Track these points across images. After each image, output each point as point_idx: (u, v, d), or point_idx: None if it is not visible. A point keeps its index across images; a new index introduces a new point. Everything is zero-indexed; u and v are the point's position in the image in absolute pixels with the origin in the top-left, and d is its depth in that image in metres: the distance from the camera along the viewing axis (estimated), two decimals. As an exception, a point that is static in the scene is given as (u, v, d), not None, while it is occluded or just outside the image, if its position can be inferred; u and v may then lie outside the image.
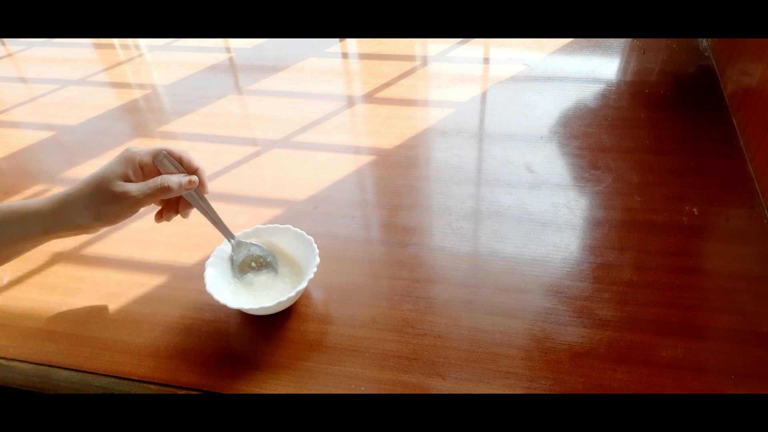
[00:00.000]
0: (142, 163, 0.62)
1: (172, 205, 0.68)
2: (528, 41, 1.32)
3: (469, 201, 0.93)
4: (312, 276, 0.71)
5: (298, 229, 0.77)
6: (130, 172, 0.60)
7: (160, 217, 0.68)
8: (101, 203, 0.59)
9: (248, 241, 0.75)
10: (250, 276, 0.76)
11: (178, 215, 0.69)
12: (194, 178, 0.64)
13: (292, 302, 0.73)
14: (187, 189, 0.63)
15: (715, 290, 0.76)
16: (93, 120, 1.20)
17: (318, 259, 0.72)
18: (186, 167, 0.64)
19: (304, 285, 0.70)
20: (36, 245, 0.65)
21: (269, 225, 0.77)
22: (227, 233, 0.72)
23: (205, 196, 0.69)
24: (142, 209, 0.64)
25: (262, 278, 0.76)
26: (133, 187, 0.60)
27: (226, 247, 0.76)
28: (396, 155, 1.04)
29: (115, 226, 0.72)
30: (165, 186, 0.61)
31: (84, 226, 0.61)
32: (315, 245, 0.75)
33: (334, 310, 0.77)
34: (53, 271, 0.87)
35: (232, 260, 0.74)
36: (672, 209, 0.88)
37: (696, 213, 0.87)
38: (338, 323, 0.76)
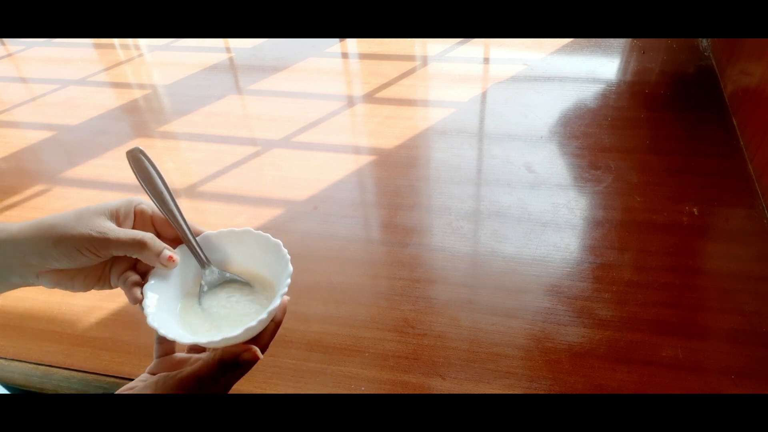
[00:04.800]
0: (122, 213, 0.49)
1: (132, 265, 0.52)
2: (528, 41, 1.32)
3: (469, 201, 0.93)
4: (285, 290, 0.49)
5: (260, 232, 0.55)
6: (129, 212, 0.50)
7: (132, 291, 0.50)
8: (81, 225, 0.47)
9: (224, 272, 0.56)
10: (205, 298, 0.55)
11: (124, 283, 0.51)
12: (177, 256, 0.50)
13: (263, 326, 0.50)
14: (163, 264, 0.50)
15: (715, 290, 0.76)
16: (93, 120, 1.20)
17: (290, 268, 0.51)
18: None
19: (275, 304, 0.49)
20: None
21: (221, 230, 0.55)
22: (202, 259, 0.55)
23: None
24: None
25: (222, 298, 0.56)
26: (110, 224, 0.48)
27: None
28: (396, 155, 1.04)
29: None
30: (141, 240, 0.48)
31: (19, 265, 0.47)
32: (284, 250, 0.53)
33: (334, 310, 0.77)
34: (53, 271, 0.87)
35: (200, 288, 0.55)
36: (672, 209, 0.88)
37: (696, 213, 0.87)
38: (338, 323, 0.76)
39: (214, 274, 0.56)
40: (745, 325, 0.72)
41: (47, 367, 0.74)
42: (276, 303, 0.49)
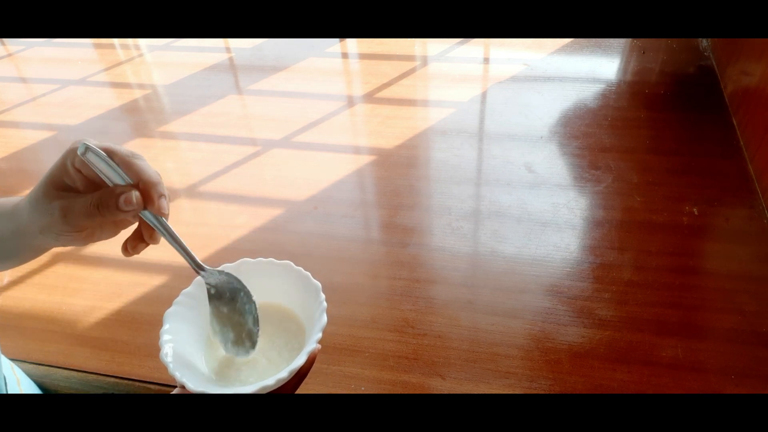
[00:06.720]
0: (80, 165, 0.44)
1: (139, 232, 0.48)
2: (528, 41, 1.32)
3: (469, 201, 0.93)
4: (313, 347, 0.46)
5: (301, 269, 0.52)
6: (71, 174, 0.45)
7: (125, 249, 0.48)
8: (42, 211, 0.44)
9: (217, 270, 0.51)
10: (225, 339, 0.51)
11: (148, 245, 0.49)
12: (133, 195, 0.43)
13: (282, 383, 0.44)
14: (124, 210, 0.43)
15: (715, 290, 0.76)
16: (93, 120, 1.20)
17: (324, 319, 0.48)
18: (132, 175, 0.45)
19: (298, 363, 0.44)
20: (17, 246, 0.50)
21: (260, 259, 0.52)
22: (195, 264, 0.50)
23: (167, 221, 0.47)
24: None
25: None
26: (65, 202, 0.44)
27: (189, 299, 0.53)
28: (396, 155, 1.04)
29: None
30: (98, 203, 0.43)
31: (36, 231, 0.46)
32: (323, 295, 0.50)
33: (334, 310, 0.77)
34: (53, 271, 0.87)
35: (207, 290, 0.52)
36: (672, 209, 0.88)
37: (696, 213, 0.87)
38: (338, 323, 0.76)
39: (214, 276, 0.50)
40: (745, 325, 0.72)
41: (47, 367, 0.74)
42: (300, 362, 0.44)
